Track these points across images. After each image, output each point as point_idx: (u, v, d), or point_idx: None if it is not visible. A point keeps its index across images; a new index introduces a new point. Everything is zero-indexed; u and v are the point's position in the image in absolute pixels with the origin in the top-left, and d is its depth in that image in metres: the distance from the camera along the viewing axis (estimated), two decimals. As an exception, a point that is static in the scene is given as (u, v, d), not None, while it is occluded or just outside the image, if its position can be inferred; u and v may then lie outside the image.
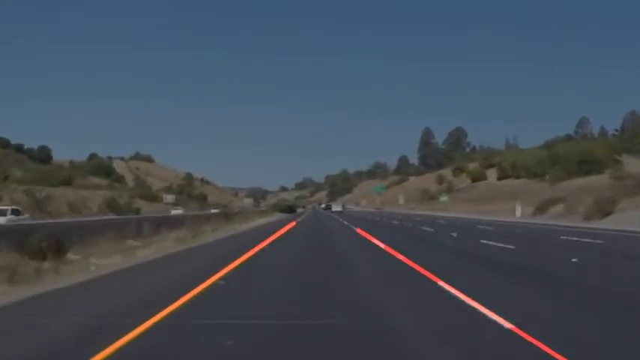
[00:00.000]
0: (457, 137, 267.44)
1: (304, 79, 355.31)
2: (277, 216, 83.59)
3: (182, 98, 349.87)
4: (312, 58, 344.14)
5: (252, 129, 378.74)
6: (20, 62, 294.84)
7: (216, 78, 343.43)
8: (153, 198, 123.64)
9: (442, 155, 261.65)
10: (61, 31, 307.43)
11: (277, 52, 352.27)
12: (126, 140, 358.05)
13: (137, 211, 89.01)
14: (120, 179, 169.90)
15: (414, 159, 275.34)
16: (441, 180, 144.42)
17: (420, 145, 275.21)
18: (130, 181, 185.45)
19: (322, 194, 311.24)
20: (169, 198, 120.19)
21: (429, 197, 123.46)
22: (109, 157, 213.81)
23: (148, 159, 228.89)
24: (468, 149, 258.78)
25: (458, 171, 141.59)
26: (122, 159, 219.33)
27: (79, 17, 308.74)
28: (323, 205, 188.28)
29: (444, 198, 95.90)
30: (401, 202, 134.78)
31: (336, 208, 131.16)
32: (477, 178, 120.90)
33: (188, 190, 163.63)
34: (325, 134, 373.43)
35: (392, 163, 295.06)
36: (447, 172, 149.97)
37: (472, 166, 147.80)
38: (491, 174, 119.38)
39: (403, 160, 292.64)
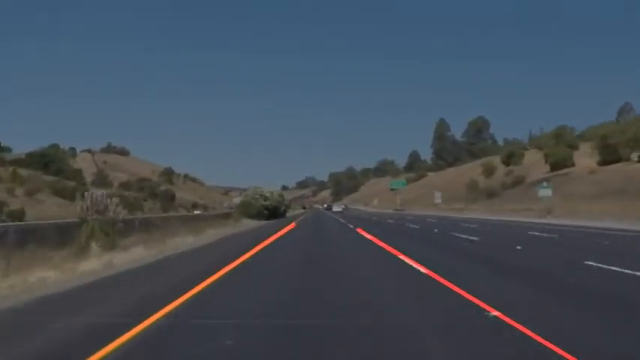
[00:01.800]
0: (478, 128, 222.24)
1: (306, 76, 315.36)
2: (237, 228, 38.16)
3: (180, 97, 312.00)
4: (314, 55, 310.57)
5: (252, 126, 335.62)
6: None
7: (214, 76, 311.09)
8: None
9: (460, 148, 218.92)
10: (56, 31, 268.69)
11: (278, 48, 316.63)
12: (127, 137, 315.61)
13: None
14: (66, 173, 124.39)
15: (425, 155, 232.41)
16: (489, 170, 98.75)
17: (433, 138, 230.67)
18: (90, 175, 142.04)
19: (326, 193, 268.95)
20: (97, 194, 74.34)
21: (489, 193, 77.47)
22: (72, 148, 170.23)
23: (123, 152, 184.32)
24: (489, 141, 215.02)
25: (517, 157, 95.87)
26: (89, 151, 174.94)
27: (72, 17, 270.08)
28: (325, 205, 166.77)
29: (545, 192, 50.13)
30: (438, 200, 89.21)
31: (336, 208, 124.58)
32: (558, 164, 75.01)
33: (150, 185, 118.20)
34: (327, 131, 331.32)
35: (401, 160, 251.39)
36: (494, 161, 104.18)
37: (528, 153, 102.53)
38: (580, 157, 73.81)
39: (414, 156, 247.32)
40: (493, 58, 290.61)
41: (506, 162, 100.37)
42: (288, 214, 77.38)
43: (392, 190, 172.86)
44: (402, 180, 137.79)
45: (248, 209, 49.18)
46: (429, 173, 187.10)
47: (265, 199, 50.82)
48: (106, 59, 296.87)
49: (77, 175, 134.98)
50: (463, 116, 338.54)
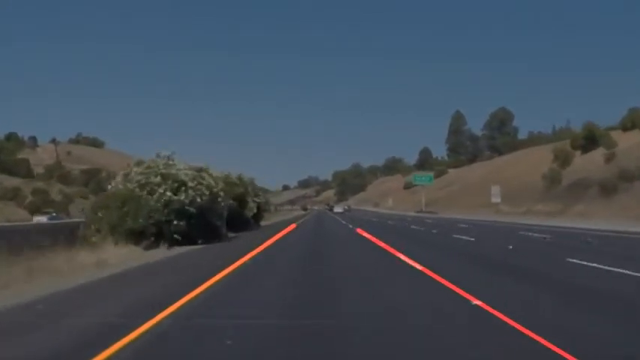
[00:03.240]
0: (501, 120, 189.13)
1: (307, 72, 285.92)
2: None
3: (176, 93, 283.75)
4: (316, 51, 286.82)
5: (250, 123, 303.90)
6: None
7: (214, 73, 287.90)
8: None
9: (479, 143, 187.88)
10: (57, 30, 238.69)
11: (279, 45, 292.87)
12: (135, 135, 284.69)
13: None
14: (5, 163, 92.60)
15: (436, 152, 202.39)
16: (564, 158, 66.42)
17: (449, 132, 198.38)
18: (40, 168, 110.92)
19: (330, 193, 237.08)
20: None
21: (603, 188, 44.79)
22: (32, 138, 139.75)
23: (95, 143, 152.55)
24: (510, 135, 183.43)
25: (605, 140, 63.86)
26: (53, 141, 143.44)
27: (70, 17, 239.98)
28: (327, 206, 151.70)
29: None
30: (496, 198, 57.54)
31: (338, 209, 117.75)
32: None
33: (98, 180, 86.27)
34: (330, 129, 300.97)
35: (410, 158, 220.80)
36: (562, 146, 72.14)
37: (617, 135, 71.06)
38: None
39: (426, 153, 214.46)
40: (501, 55, 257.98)
41: (585, 147, 68.40)
42: (268, 221, 45.49)
43: (409, 187, 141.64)
44: (427, 174, 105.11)
45: (126, 217, 17.29)
46: (449, 170, 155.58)
47: (179, 186, 18.54)
48: (105, 55, 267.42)
49: (22, 165, 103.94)
50: (471, 112, 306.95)
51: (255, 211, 34.76)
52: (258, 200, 36.45)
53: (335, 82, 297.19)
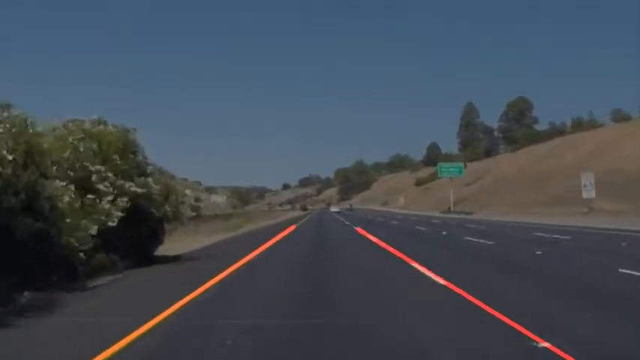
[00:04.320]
0: (519, 110, 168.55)
1: (307, 66, 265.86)
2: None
3: (172, 89, 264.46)
4: (317, 43, 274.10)
5: (247, 120, 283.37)
6: None
7: (207, 65, 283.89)
8: None
9: (494, 136, 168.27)
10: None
11: (276, 33, 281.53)
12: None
13: None
14: None
15: (445, 147, 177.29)
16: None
17: (460, 125, 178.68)
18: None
19: (332, 191, 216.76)
20: None
21: None
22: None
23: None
24: (527, 127, 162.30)
25: None
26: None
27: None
28: (325, 206, 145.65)
29: None
30: (589, 193, 36.46)
31: (334, 209, 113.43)
32: None
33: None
34: (331, 126, 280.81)
35: (415, 155, 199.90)
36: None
37: None
38: None
39: (434, 149, 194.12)
40: (511, 45, 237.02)
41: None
42: (205, 241, 23.54)
43: (421, 184, 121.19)
44: (456, 164, 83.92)
45: None
46: (467, 164, 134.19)
47: None
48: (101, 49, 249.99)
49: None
50: (479, 105, 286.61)
51: (113, 222, 12.56)
52: (136, 190, 14.09)
53: (336, 77, 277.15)
